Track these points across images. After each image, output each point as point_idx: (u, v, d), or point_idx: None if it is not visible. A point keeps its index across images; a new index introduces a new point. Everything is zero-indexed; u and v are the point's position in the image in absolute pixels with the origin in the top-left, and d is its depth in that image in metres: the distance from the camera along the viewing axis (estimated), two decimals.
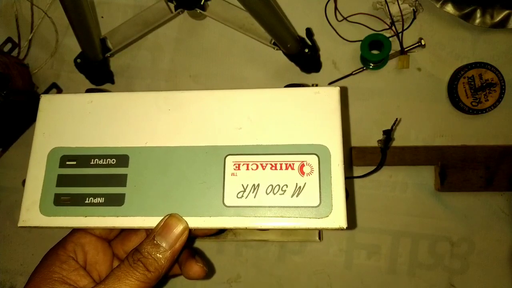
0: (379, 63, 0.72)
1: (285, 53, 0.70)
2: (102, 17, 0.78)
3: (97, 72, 0.73)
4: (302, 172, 0.37)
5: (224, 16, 0.70)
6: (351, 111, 0.73)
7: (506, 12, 0.70)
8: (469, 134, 0.72)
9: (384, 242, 0.71)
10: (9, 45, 0.77)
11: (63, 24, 0.78)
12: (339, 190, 0.36)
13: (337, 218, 0.36)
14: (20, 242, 0.75)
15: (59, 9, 0.69)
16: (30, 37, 0.77)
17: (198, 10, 0.68)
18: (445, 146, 0.70)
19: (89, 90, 0.43)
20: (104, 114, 0.40)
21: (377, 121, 0.72)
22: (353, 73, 0.73)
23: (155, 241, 0.35)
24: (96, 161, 0.38)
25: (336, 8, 0.74)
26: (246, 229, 0.36)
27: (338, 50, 0.75)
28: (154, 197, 0.37)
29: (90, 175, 0.38)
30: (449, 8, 0.72)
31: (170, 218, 0.35)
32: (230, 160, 0.37)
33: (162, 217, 0.36)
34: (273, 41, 0.68)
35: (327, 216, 0.36)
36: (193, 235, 0.38)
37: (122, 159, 0.38)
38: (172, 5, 0.68)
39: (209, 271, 0.71)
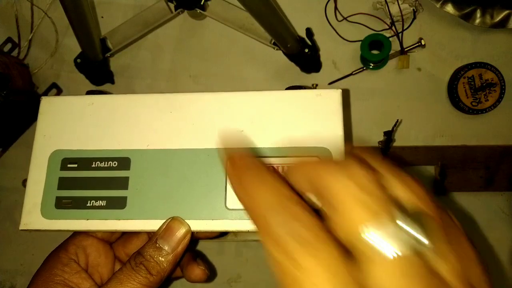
0: (379, 63, 0.72)
1: (285, 53, 0.70)
2: (102, 17, 0.78)
3: (97, 72, 0.73)
4: None
5: (224, 16, 0.70)
6: (351, 111, 0.73)
7: (506, 12, 0.70)
8: (469, 134, 0.72)
9: None
10: (9, 45, 0.77)
11: (63, 24, 0.78)
12: None
13: None
14: (20, 242, 0.75)
15: (59, 9, 0.69)
16: (30, 37, 0.77)
17: (198, 10, 0.68)
18: (445, 146, 0.70)
19: (89, 92, 0.43)
20: (105, 116, 0.40)
21: (377, 121, 0.72)
22: (353, 73, 0.73)
23: (157, 244, 0.35)
24: (98, 163, 0.38)
25: (336, 8, 0.74)
26: (248, 232, 0.36)
27: (338, 50, 0.75)
28: (156, 200, 0.37)
29: (92, 178, 0.38)
30: (449, 8, 0.72)
31: (172, 221, 0.35)
32: None
33: (164, 220, 0.36)
34: (273, 41, 0.68)
35: None
36: (195, 238, 0.38)
37: (123, 162, 0.38)
38: (172, 5, 0.68)
39: (211, 273, 0.71)
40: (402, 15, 0.72)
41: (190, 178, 0.37)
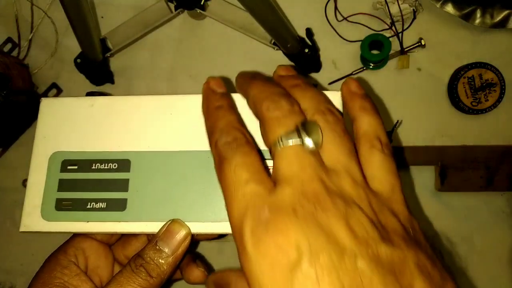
0: (379, 63, 0.72)
1: (285, 53, 0.70)
2: (102, 17, 0.78)
3: (97, 72, 0.73)
4: None
5: (224, 16, 0.70)
6: None
7: (506, 12, 0.70)
8: (469, 134, 0.72)
9: None
10: (9, 45, 0.77)
11: (63, 24, 0.77)
12: None
13: None
14: (20, 242, 0.75)
15: (59, 9, 0.69)
16: (30, 37, 0.77)
17: (198, 10, 0.68)
18: (445, 146, 0.70)
19: (89, 93, 0.43)
20: (105, 118, 0.40)
21: None
22: (353, 73, 0.73)
23: (157, 247, 0.35)
24: (98, 165, 0.38)
25: (336, 8, 0.74)
26: None
27: (338, 50, 0.75)
28: (156, 202, 0.37)
29: (92, 179, 0.38)
30: (449, 8, 0.72)
31: (173, 224, 0.35)
32: None
33: (164, 223, 0.36)
34: (273, 41, 0.68)
35: None
36: (195, 240, 0.38)
37: (123, 164, 0.38)
38: (172, 5, 0.68)
39: (211, 273, 0.71)
40: (402, 15, 0.72)
41: (191, 180, 0.37)
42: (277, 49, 0.69)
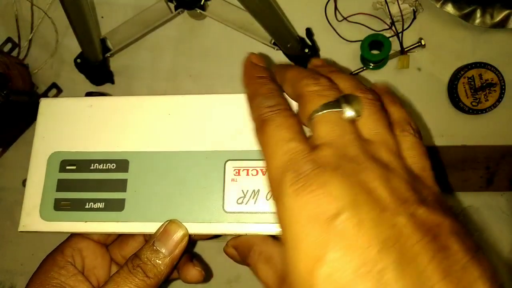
0: (379, 63, 0.72)
1: (285, 53, 0.70)
2: (102, 17, 0.78)
3: (97, 72, 0.73)
4: None
5: (224, 16, 0.70)
6: None
7: (506, 12, 0.70)
8: (469, 134, 0.72)
9: None
10: (9, 45, 0.77)
11: (63, 24, 0.77)
12: None
13: None
14: (20, 242, 0.75)
15: (59, 9, 0.69)
16: (30, 37, 0.77)
17: (198, 10, 0.68)
18: (445, 146, 0.70)
19: (88, 94, 0.43)
20: (104, 118, 0.40)
21: None
22: (353, 73, 0.73)
23: (154, 247, 0.35)
24: (96, 165, 0.38)
25: (336, 8, 0.74)
26: (246, 235, 0.36)
27: (338, 50, 0.75)
28: (154, 203, 0.37)
29: (90, 180, 0.38)
30: (449, 8, 0.71)
31: (170, 224, 0.35)
32: (230, 166, 0.37)
33: (162, 223, 0.36)
34: (273, 41, 0.68)
35: None
36: (192, 239, 0.38)
37: (122, 164, 0.38)
38: (172, 5, 0.68)
39: (207, 274, 0.71)
40: (402, 15, 0.72)
41: (189, 181, 0.37)
42: (277, 49, 0.69)
